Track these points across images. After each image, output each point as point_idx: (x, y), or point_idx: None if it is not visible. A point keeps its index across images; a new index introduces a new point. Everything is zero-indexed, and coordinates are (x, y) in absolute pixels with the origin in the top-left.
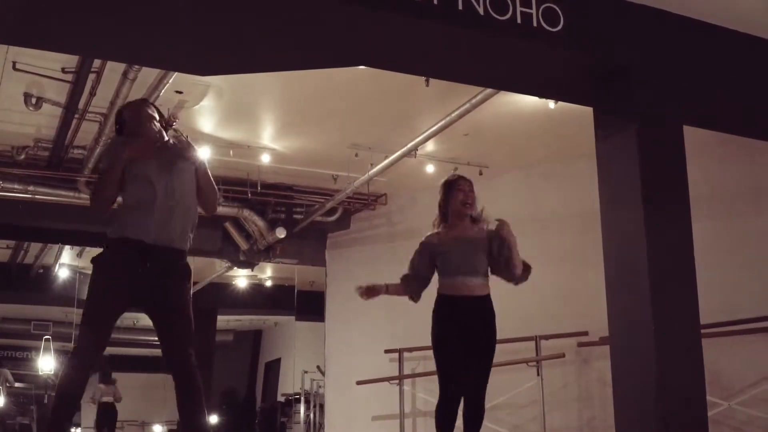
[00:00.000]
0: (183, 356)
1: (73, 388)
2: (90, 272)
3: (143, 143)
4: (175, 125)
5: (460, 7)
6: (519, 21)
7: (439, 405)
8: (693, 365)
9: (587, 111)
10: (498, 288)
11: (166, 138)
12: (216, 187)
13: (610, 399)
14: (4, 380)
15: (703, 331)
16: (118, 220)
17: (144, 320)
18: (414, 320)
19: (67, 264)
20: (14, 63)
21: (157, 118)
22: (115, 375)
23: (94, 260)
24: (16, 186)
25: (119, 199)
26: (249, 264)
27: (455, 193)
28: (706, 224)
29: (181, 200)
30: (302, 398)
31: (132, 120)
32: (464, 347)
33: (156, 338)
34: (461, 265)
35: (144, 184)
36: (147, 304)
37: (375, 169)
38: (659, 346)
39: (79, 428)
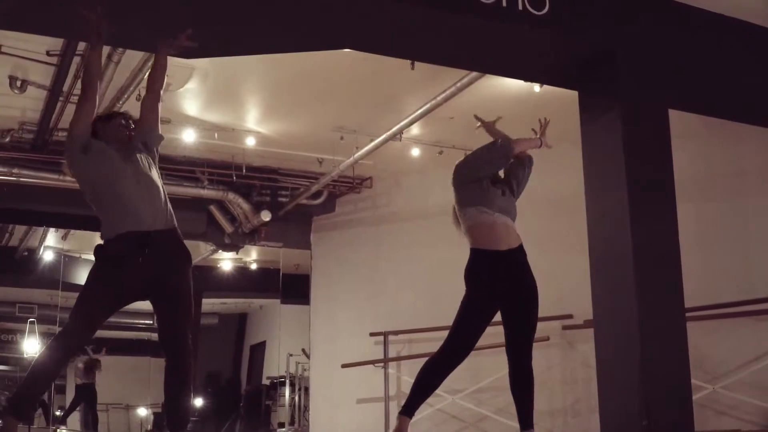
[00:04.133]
0: (180, 339)
1: (47, 369)
2: (72, 254)
3: None
4: None
5: None
6: (504, 4)
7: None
8: (677, 349)
9: (572, 95)
10: None
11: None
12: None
13: (594, 382)
14: None
15: (687, 314)
16: (104, 222)
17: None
18: (398, 304)
19: (51, 247)
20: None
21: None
22: (99, 357)
23: (96, 252)
24: (0, 168)
25: (87, 197)
26: (234, 247)
27: None
28: (690, 208)
29: (144, 179)
30: (287, 381)
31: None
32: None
33: (141, 321)
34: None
35: (111, 179)
36: (151, 291)
37: (360, 153)
38: (643, 329)
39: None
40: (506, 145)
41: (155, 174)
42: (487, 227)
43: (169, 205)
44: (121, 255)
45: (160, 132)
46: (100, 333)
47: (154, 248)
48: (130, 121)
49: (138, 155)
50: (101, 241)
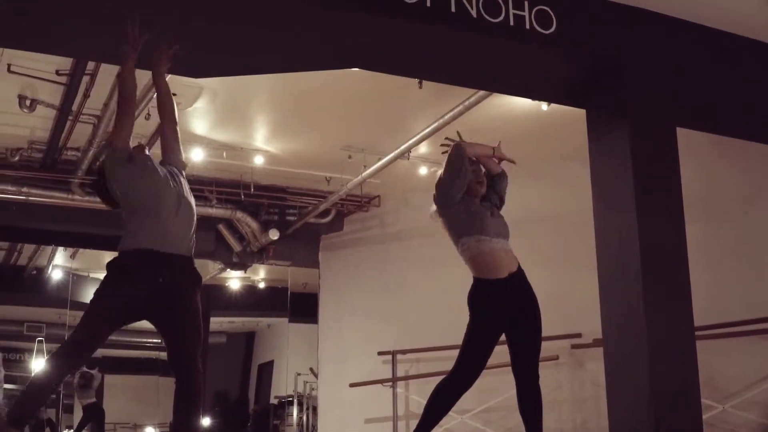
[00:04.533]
0: (190, 363)
1: (47, 382)
2: (81, 272)
3: None
4: None
5: (453, 10)
6: (512, 23)
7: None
8: (687, 368)
9: (580, 113)
10: None
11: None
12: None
13: (604, 401)
14: None
15: (697, 333)
16: (128, 232)
17: (137, 323)
18: (407, 322)
19: (60, 265)
20: (9, 65)
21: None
22: (107, 377)
23: (109, 265)
24: (9, 187)
25: (125, 208)
26: (242, 266)
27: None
28: (699, 226)
29: (185, 203)
30: (295, 400)
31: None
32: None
33: (148, 340)
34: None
35: (151, 193)
36: (157, 314)
37: (368, 171)
38: (653, 348)
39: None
40: (457, 145)
41: (193, 201)
42: (488, 256)
43: (194, 234)
44: (133, 269)
45: (184, 159)
46: (110, 352)
47: (169, 271)
48: None
49: (181, 178)
50: (116, 254)
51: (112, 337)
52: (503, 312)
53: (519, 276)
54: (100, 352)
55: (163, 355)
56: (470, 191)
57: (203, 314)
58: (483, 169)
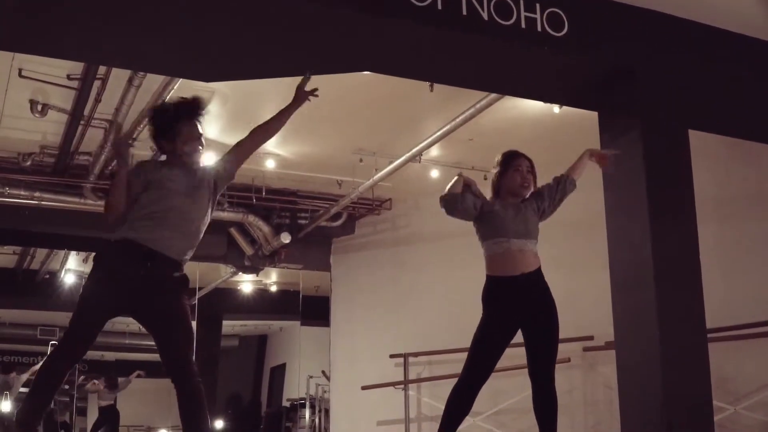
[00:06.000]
0: (183, 365)
1: (49, 381)
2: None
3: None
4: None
5: (465, 13)
6: (523, 26)
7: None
8: (699, 370)
9: (592, 115)
10: None
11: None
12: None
13: (616, 404)
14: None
15: (709, 335)
16: (127, 225)
17: None
18: (418, 325)
19: (73, 269)
20: (20, 70)
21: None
22: (119, 380)
23: (95, 257)
24: (22, 192)
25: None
26: (254, 269)
27: (513, 173)
28: (711, 228)
29: (193, 223)
30: (307, 403)
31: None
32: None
33: None
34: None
35: (163, 198)
36: (143, 312)
37: (379, 174)
38: (665, 350)
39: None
40: (451, 188)
41: (209, 210)
42: (501, 256)
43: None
44: (122, 258)
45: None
46: (124, 355)
47: (154, 268)
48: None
49: (202, 191)
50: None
51: (125, 341)
52: (514, 310)
53: (533, 276)
54: (113, 356)
55: None
56: (513, 193)
57: (215, 317)
58: (530, 173)
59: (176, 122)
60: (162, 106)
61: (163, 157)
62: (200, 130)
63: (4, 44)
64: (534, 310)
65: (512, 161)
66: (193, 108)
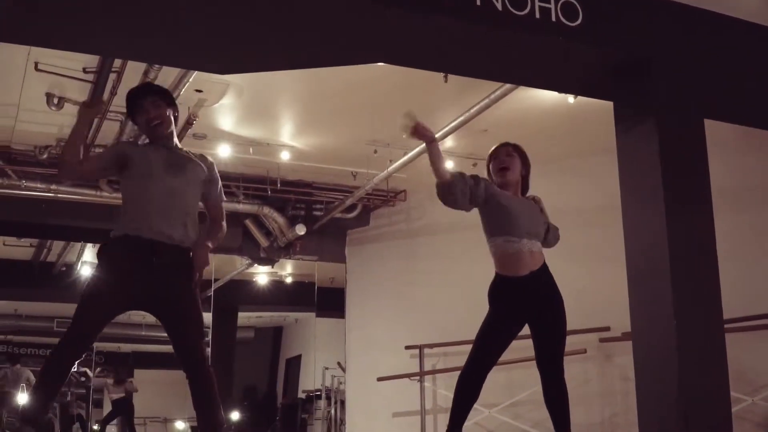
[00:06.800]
0: (193, 353)
1: (53, 376)
2: None
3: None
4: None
5: (479, 3)
6: (537, 16)
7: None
8: (716, 360)
9: (607, 105)
10: None
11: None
12: (223, 225)
13: (633, 395)
14: (26, 379)
15: (726, 326)
16: (121, 218)
17: None
18: (433, 316)
19: (89, 262)
20: (36, 63)
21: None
22: (137, 372)
23: (99, 253)
24: (38, 185)
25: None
26: (269, 261)
27: (493, 163)
28: (728, 218)
29: (180, 201)
30: (323, 394)
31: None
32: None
33: None
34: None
35: (146, 179)
36: (153, 303)
37: (394, 166)
38: (682, 341)
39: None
40: (437, 185)
41: (196, 192)
42: (512, 256)
43: (194, 228)
44: (125, 255)
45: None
46: (139, 347)
47: (158, 259)
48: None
49: (191, 175)
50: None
51: (141, 333)
52: (521, 308)
53: (539, 274)
54: (130, 347)
55: None
56: (501, 183)
57: (230, 308)
58: (510, 156)
59: (140, 98)
60: (133, 88)
61: (147, 141)
62: (163, 105)
63: (20, 38)
64: (541, 306)
65: (492, 153)
66: (155, 85)
